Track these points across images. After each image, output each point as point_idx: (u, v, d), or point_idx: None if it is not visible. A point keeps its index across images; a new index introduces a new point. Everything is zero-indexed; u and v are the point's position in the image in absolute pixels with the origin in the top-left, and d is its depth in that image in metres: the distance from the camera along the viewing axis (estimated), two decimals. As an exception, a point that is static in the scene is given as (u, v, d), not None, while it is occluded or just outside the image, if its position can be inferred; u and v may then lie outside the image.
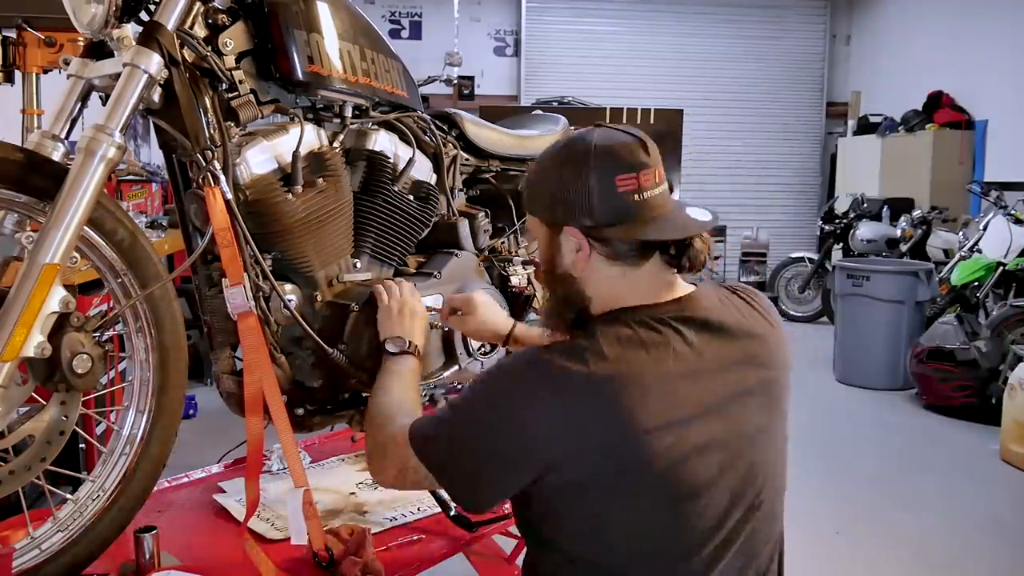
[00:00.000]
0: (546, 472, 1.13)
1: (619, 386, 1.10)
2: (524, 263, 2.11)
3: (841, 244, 7.31)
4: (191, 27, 1.38)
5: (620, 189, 1.15)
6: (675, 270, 1.21)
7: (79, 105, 1.44)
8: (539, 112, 2.49)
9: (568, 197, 1.18)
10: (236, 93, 1.42)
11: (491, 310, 1.64)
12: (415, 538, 1.62)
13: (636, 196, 1.16)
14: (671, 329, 1.17)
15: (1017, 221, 5.49)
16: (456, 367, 1.81)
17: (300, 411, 1.62)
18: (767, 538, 1.23)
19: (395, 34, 8.93)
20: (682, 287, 1.24)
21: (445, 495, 1.67)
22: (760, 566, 1.22)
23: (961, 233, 6.12)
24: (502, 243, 2.08)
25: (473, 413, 1.18)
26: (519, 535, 2.21)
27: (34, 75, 3.32)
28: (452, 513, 1.65)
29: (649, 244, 1.18)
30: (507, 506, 1.73)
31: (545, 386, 1.11)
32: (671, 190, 1.23)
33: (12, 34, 3.25)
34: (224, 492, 1.79)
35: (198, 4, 1.39)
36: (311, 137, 1.57)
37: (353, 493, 1.82)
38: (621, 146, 1.17)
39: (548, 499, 1.16)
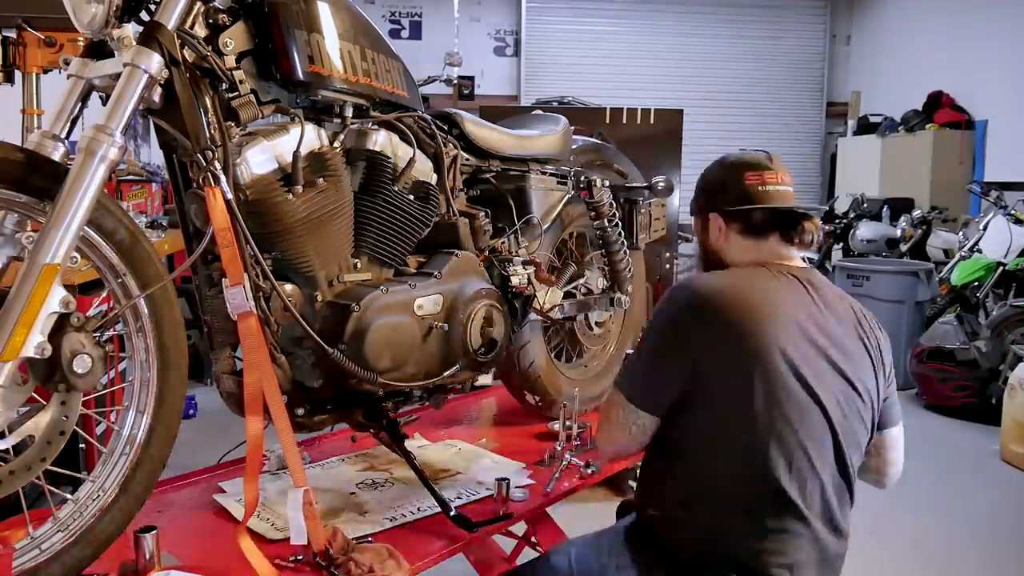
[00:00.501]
0: (694, 367, 1.42)
1: (744, 293, 1.45)
2: (524, 263, 2.10)
3: (841, 244, 7.31)
4: (191, 27, 1.38)
5: (747, 182, 1.58)
6: (792, 245, 1.57)
7: (79, 105, 1.44)
8: (539, 112, 2.49)
9: (711, 192, 1.65)
10: (236, 93, 1.42)
11: None
12: (415, 538, 1.62)
13: (760, 188, 1.58)
14: (795, 278, 1.51)
15: (1017, 221, 5.49)
16: (456, 367, 1.81)
17: (300, 411, 1.63)
18: (842, 477, 1.46)
19: (395, 34, 8.92)
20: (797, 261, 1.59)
21: (445, 495, 1.68)
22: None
23: (961, 233, 6.12)
24: (502, 243, 2.08)
25: (647, 336, 1.54)
26: (518, 536, 2.22)
27: (34, 75, 3.32)
28: (452, 513, 1.65)
29: (770, 220, 1.56)
30: (503, 508, 1.73)
31: (685, 297, 1.48)
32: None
33: (12, 34, 3.24)
34: (224, 492, 1.79)
35: (198, 4, 1.39)
36: (311, 137, 1.57)
37: (353, 493, 1.82)
38: (751, 156, 1.62)
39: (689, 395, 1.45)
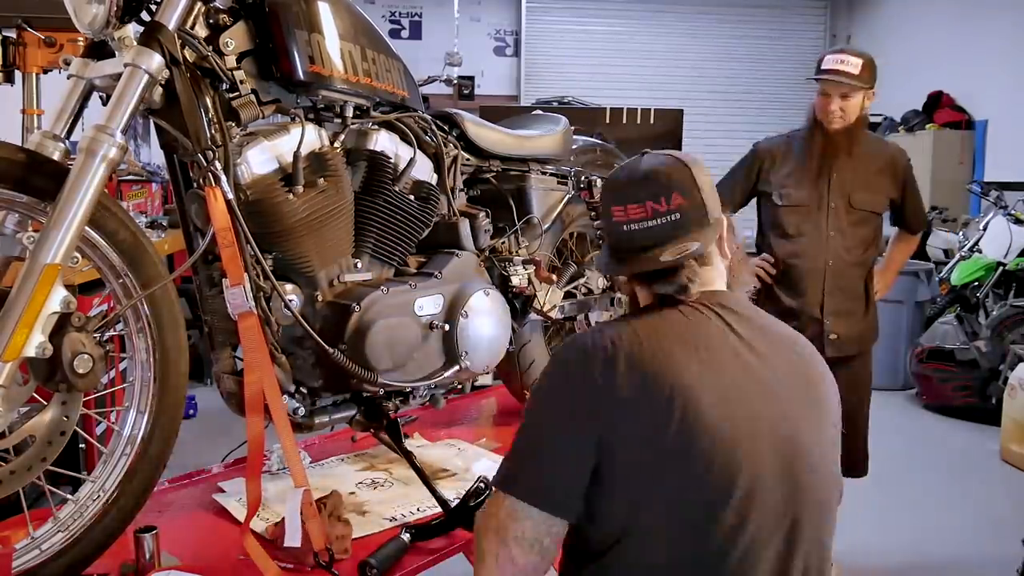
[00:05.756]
0: (602, 444, 1.13)
1: (652, 347, 1.15)
2: (524, 263, 2.11)
3: (841, 244, 7.29)
4: (192, 27, 1.38)
5: (614, 219, 1.27)
6: (667, 282, 1.24)
7: (80, 105, 1.44)
8: (539, 112, 2.49)
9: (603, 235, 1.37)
10: (237, 93, 1.42)
11: None
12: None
13: (624, 227, 1.26)
14: (708, 310, 1.23)
15: (1017, 221, 5.49)
16: (456, 367, 1.81)
17: (300, 411, 1.63)
18: (809, 545, 1.18)
19: (395, 34, 8.92)
20: (718, 284, 1.29)
21: (444, 494, 1.68)
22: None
23: (961, 233, 6.12)
24: (502, 243, 2.08)
25: (531, 415, 1.22)
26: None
27: (34, 75, 3.32)
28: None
29: (645, 272, 1.26)
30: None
31: (581, 360, 1.18)
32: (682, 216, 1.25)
33: (12, 34, 3.24)
34: (224, 492, 1.79)
35: (199, 4, 1.39)
36: (312, 137, 1.57)
37: (353, 493, 1.82)
38: (622, 176, 1.29)
39: (604, 479, 1.14)
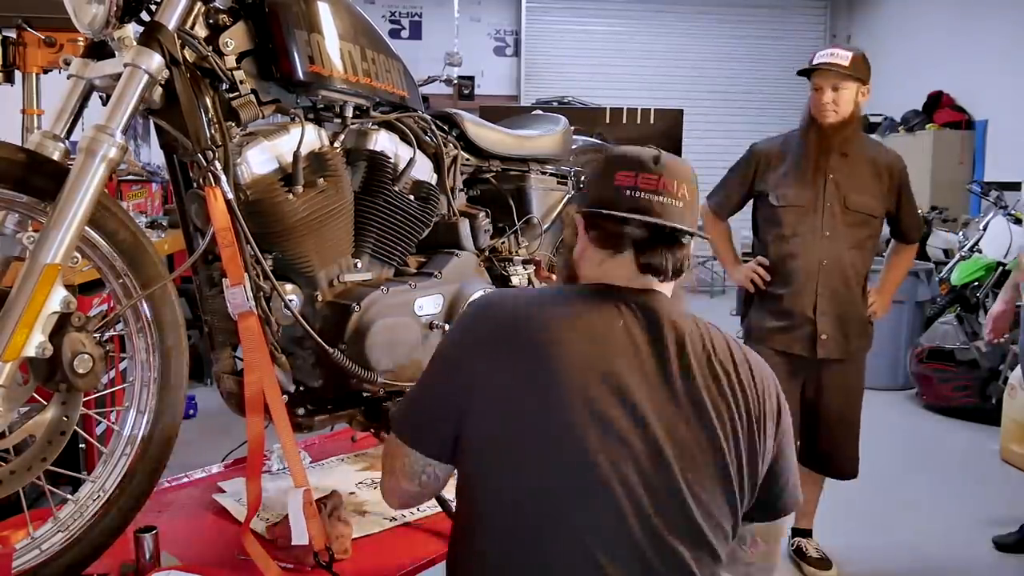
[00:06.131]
0: (468, 398, 1.18)
1: (537, 328, 1.18)
2: (524, 263, 2.11)
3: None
4: (192, 27, 1.38)
5: (616, 182, 1.25)
6: (641, 271, 1.25)
7: (80, 105, 1.44)
8: (539, 112, 2.49)
9: (584, 188, 1.37)
10: (237, 93, 1.42)
11: None
12: (415, 538, 1.62)
13: (628, 191, 1.24)
14: (618, 307, 1.21)
15: (1017, 221, 5.49)
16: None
17: (300, 411, 1.63)
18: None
19: (395, 34, 8.93)
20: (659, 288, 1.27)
21: (445, 495, 1.68)
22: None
23: (961, 233, 6.12)
24: (502, 243, 2.08)
25: (429, 361, 1.29)
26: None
27: (34, 75, 3.31)
28: (453, 512, 1.65)
29: (626, 233, 1.24)
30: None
31: (470, 319, 1.26)
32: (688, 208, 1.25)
33: (12, 34, 3.24)
34: (224, 492, 1.79)
35: (199, 4, 1.39)
36: (312, 137, 1.57)
37: (353, 493, 1.82)
38: (635, 150, 1.29)
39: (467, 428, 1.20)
